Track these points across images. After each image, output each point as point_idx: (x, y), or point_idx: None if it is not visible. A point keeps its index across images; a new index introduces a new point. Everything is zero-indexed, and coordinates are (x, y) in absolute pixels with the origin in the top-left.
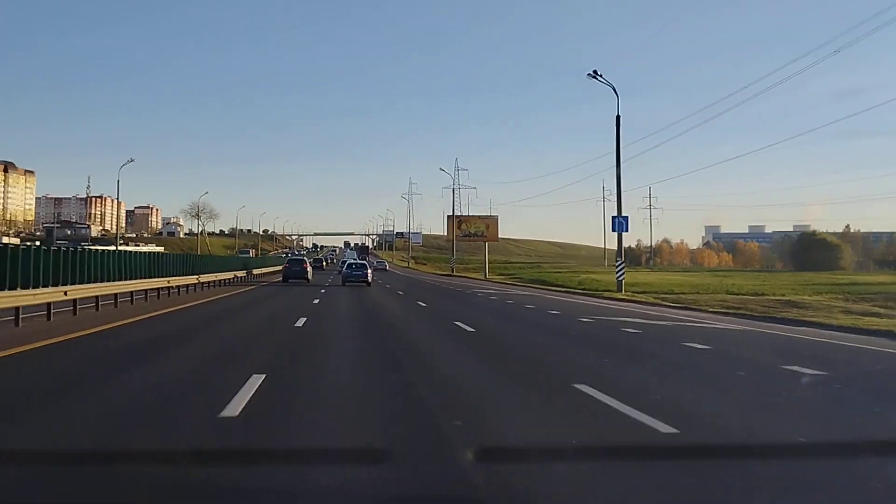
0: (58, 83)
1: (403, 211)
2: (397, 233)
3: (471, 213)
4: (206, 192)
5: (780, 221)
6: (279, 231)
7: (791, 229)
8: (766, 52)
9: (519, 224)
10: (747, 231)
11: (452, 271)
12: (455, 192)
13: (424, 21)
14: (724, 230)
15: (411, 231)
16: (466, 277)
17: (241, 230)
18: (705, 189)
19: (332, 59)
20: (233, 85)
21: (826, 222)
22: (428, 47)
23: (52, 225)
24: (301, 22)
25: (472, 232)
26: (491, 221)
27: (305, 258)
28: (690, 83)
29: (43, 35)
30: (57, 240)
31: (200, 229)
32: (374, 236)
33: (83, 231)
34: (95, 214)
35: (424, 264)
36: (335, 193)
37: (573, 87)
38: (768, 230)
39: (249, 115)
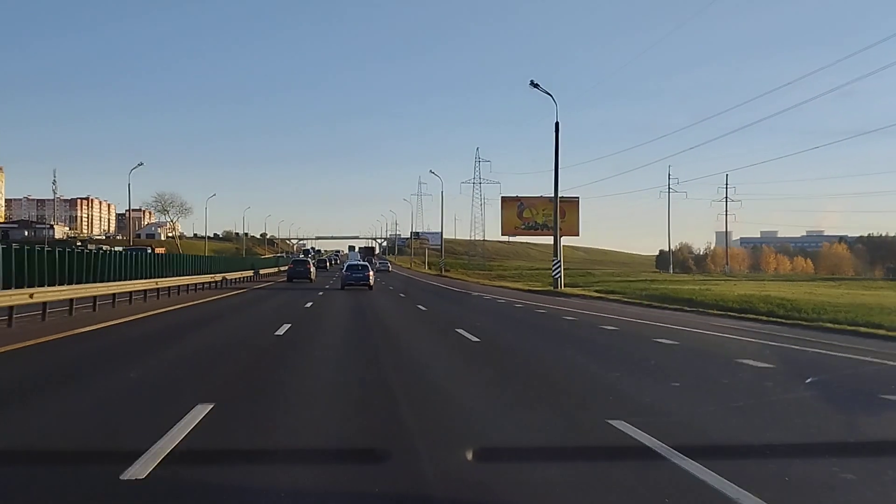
0: (50, 84)
1: (409, 213)
2: (414, 232)
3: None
4: (141, 164)
5: (792, 227)
6: (280, 234)
7: (804, 234)
8: (768, 55)
9: None
10: (759, 236)
11: (559, 286)
12: (476, 185)
13: (426, 19)
14: (735, 236)
15: (429, 231)
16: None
17: (236, 233)
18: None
19: (332, 59)
20: (230, 86)
21: (841, 227)
22: (429, 45)
23: (9, 225)
24: (298, 22)
25: (538, 223)
26: (569, 206)
27: (309, 259)
28: (692, 87)
29: (35, 36)
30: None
31: (174, 229)
32: (381, 239)
33: (44, 232)
34: (81, 216)
35: (448, 271)
36: (338, 196)
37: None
38: (780, 235)
39: (248, 117)
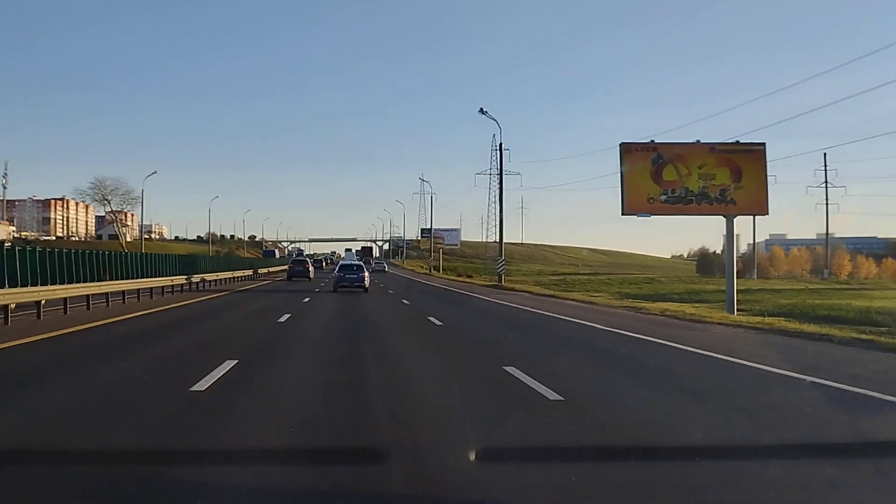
0: (34, 83)
1: (408, 214)
2: (425, 229)
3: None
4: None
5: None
6: (276, 237)
7: (814, 237)
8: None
9: (542, 222)
10: (769, 238)
11: None
12: (492, 177)
13: (419, 19)
14: (746, 240)
15: (444, 228)
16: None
17: (221, 235)
18: None
19: (326, 58)
20: (221, 86)
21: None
22: (426, 44)
23: None
24: (291, 21)
25: (690, 190)
26: (748, 159)
27: (308, 259)
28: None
29: (25, 36)
30: None
31: (115, 221)
32: (381, 241)
33: None
34: (55, 218)
35: (467, 276)
36: (335, 198)
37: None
38: (790, 237)
39: (240, 117)
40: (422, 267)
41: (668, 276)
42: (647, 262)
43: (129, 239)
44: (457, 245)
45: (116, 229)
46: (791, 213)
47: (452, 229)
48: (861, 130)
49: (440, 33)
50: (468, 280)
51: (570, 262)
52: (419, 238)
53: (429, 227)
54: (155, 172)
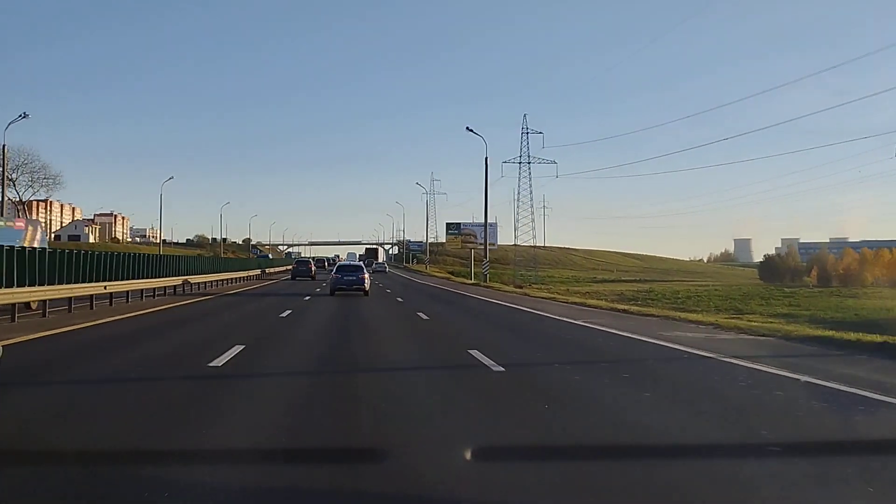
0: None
1: (411, 215)
2: (452, 224)
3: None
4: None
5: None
6: (272, 240)
7: (827, 241)
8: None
9: (567, 224)
10: (779, 245)
11: None
12: (523, 165)
13: (425, 22)
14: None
15: (475, 223)
16: None
17: (213, 238)
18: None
19: (327, 62)
20: (227, 94)
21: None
22: (429, 51)
23: None
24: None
25: None
26: None
27: (310, 260)
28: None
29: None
30: None
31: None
32: (388, 244)
33: None
34: (38, 220)
35: (519, 286)
36: (338, 202)
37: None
38: (803, 241)
39: (245, 124)
40: (452, 275)
41: (726, 283)
42: (686, 267)
43: (92, 240)
44: (494, 245)
45: (42, 220)
46: (802, 215)
47: (488, 224)
48: None
49: (452, 37)
50: (595, 303)
51: (603, 268)
52: (445, 236)
53: (457, 221)
54: (24, 115)
